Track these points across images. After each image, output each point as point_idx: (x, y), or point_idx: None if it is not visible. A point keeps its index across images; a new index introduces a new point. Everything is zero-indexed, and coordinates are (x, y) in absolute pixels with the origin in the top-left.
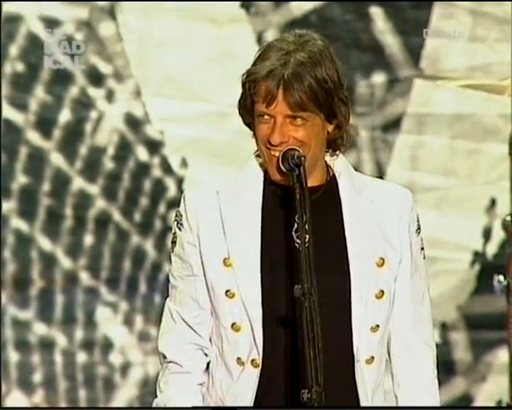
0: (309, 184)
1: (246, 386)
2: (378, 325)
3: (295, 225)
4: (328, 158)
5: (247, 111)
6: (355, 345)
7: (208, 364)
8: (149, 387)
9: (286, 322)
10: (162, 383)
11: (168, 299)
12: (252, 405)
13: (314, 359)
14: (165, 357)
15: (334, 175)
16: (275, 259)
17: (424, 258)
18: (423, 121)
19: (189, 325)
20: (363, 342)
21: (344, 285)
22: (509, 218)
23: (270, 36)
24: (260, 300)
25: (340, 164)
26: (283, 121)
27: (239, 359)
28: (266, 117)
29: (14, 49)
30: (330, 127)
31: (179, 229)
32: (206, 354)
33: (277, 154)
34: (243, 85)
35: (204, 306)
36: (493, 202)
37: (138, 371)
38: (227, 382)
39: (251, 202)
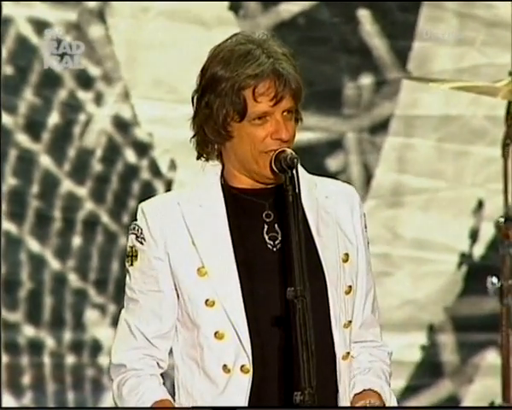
0: (271, 184)
1: (237, 393)
2: (350, 321)
3: (265, 227)
4: None
5: (236, 117)
6: (336, 343)
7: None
8: None
9: (271, 324)
10: (125, 390)
11: (124, 311)
12: None
13: (307, 361)
14: (125, 366)
15: None
16: (250, 262)
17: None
18: (411, 123)
19: (147, 339)
20: (340, 339)
21: (320, 283)
22: (501, 219)
23: None
24: (243, 305)
25: None
26: (282, 117)
27: (225, 366)
28: (262, 119)
29: (3, 52)
30: None
31: (140, 243)
32: (161, 367)
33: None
34: (236, 91)
35: (166, 321)
36: (480, 204)
37: None
38: (210, 392)
39: (215, 209)
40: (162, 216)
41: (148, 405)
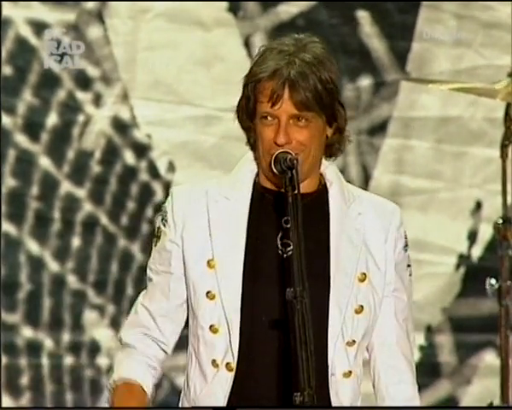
0: (302, 190)
1: (218, 388)
2: (354, 341)
3: (280, 233)
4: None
5: (249, 113)
6: (330, 359)
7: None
8: None
9: (265, 326)
10: (116, 363)
11: (142, 292)
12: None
13: (306, 361)
14: (121, 341)
15: (325, 183)
16: (257, 264)
17: (410, 275)
18: (409, 125)
19: (151, 316)
20: (338, 356)
21: (322, 297)
22: (500, 221)
23: (258, 40)
24: (240, 304)
25: (331, 173)
26: (287, 122)
27: (214, 361)
28: (270, 118)
29: (2, 53)
30: (330, 131)
31: (163, 225)
32: (162, 349)
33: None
34: (245, 86)
35: (172, 301)
36: (479, 205)
37: None
38: (200, 383)
39: (239, 205)
40: (188, 202)
41: (115, 380)
